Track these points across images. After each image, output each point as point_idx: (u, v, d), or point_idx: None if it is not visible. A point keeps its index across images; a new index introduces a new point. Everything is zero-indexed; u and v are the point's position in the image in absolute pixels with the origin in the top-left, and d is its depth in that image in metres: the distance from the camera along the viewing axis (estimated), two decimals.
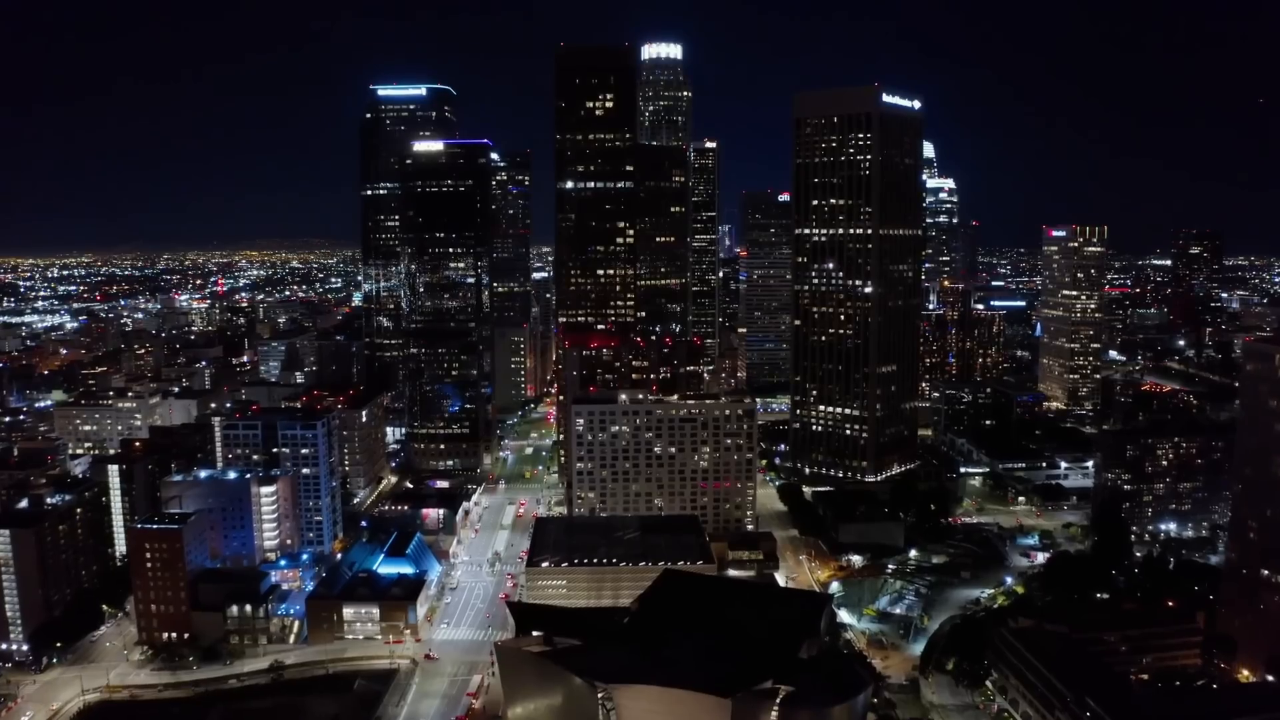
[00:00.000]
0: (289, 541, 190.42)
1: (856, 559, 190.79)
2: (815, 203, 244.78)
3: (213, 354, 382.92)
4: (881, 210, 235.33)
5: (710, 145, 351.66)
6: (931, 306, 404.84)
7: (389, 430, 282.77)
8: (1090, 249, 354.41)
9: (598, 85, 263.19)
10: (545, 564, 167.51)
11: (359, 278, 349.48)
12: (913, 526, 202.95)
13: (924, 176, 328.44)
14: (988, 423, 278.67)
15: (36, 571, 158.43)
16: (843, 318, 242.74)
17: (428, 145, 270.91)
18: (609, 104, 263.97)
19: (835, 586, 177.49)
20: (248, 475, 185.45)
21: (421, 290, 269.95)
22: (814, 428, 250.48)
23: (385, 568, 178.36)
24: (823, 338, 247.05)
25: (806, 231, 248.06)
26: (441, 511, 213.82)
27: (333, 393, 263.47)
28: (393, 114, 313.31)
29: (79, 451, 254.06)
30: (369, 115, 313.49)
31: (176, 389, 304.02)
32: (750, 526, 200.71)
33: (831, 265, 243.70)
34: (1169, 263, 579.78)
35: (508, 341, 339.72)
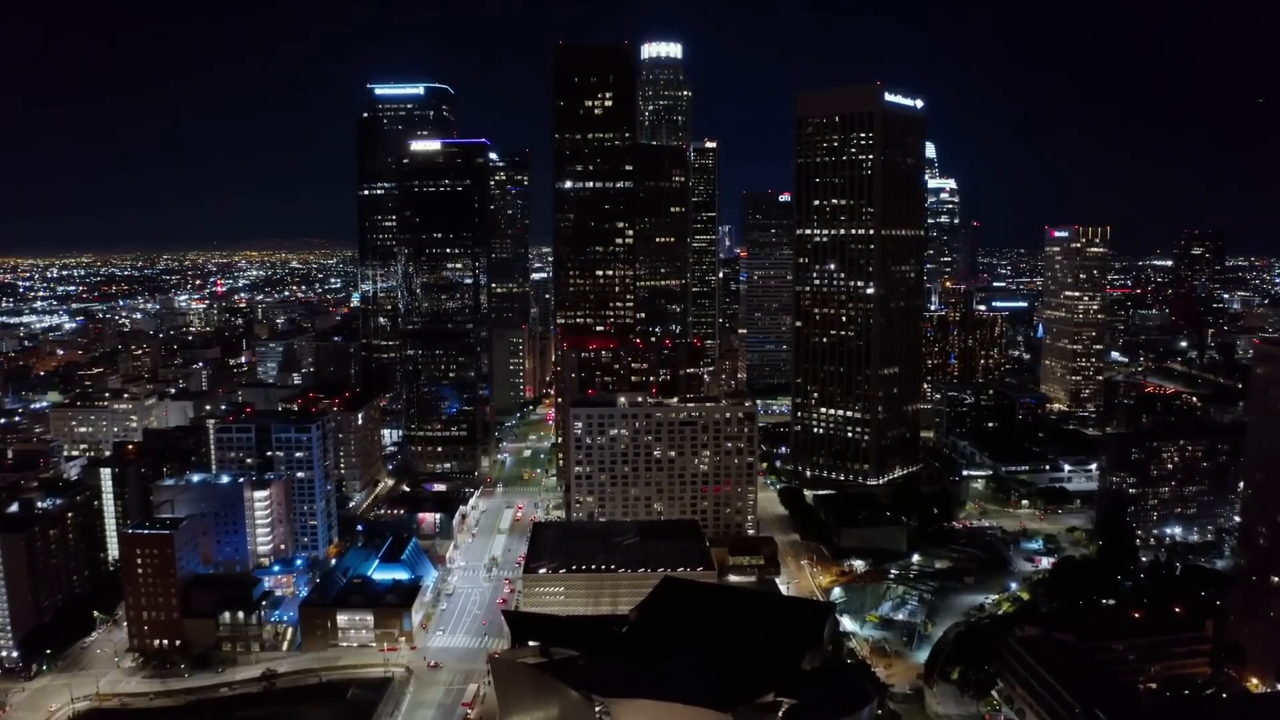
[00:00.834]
0: (283, 546, 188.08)
1: (858, 564, 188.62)
2: (817, 203, 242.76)
3: (210, 355, 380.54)
4: (883, 210, 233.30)
5: (710, 145, 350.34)
6: (933, 307, 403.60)
7: (386, 432, 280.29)
8: (1092, 249, 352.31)
9: (597, 84, 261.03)
10: (543, 570, 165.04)
11: (358, 278, 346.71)
12: (915, 531, 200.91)
13: (925, 177, 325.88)
14: (990, 425, 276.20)
15: (26, 577, 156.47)
16: (844, 319, 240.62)
17: (425, 145, 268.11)
18: (608, 103, 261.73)
19: (837, 592, 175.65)
20: (241, 479, 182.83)
21: (419, 291, 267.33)
22: (815, 430, 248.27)
23: (380, 573, 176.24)
24: (824, 339, 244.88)
25: (808, 232, 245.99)
26: (438, 516, 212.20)
27: (329, 394, 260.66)
28: (390, 113, 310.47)
29: (74, 454, 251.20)
30: (366, 114, 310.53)
31: (173, 390, 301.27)
32: (751, 531, 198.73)
33: (833, 266, 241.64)
34: (1170, 263, 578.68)
35: (506, 343, 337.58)
